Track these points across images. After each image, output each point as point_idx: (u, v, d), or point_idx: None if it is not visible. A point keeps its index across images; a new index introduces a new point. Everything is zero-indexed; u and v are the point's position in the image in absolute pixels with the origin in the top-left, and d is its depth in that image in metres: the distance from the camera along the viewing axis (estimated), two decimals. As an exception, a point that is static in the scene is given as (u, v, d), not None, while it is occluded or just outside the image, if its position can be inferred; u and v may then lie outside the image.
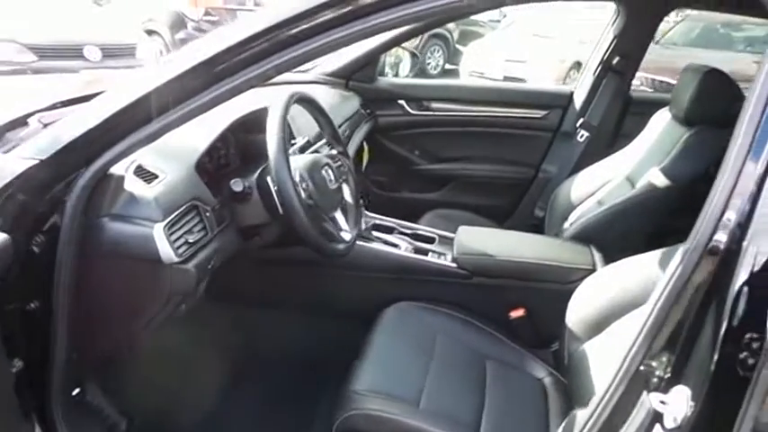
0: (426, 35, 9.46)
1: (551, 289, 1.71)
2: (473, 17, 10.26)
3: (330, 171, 1.48)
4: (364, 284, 1.85)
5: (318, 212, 1.41)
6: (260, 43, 0.98)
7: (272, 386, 1.82)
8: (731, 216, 0.87)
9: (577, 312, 1.40)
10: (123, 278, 1.16)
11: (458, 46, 9.75)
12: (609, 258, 1.70)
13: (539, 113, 2.56)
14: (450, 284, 1.80)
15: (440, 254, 1.87)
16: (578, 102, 2.50)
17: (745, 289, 0.86)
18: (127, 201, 1.12)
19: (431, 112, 2.63)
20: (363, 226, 1.86)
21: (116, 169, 1.17)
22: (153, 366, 1.69)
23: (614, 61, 2.36)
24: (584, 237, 1.89)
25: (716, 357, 0.88)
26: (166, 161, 1.25)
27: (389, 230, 1.99)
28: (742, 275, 0.86)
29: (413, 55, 2.87)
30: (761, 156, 0.84)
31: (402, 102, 2.62)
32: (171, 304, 1.22)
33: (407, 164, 2.71)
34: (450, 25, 9.86)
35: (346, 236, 1.50)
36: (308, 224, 1.32)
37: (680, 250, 0.94)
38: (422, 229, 2.01)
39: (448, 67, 9.84)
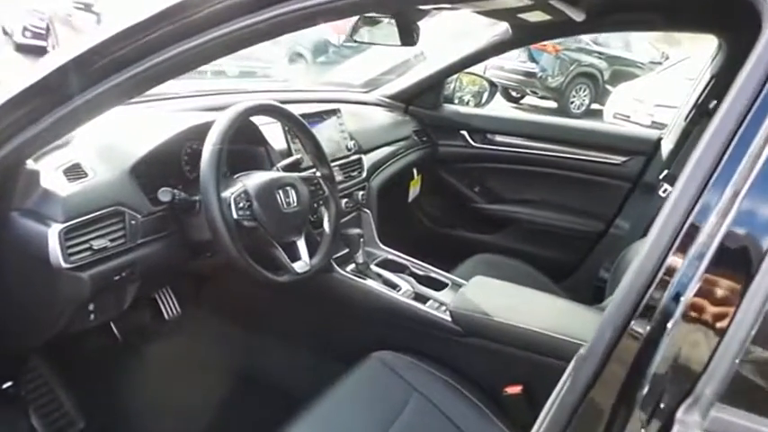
0: (573, 73, 9.01)
1: (557, 367, 1.39)
2: (630, 57, 9.60)
3: (293, 193, 1.34)
4: (351, 323, 1.69)
5: (263, 236, 1.27)
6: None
7: (238, 411, 1.70)
8: (651, 307, 0.61)
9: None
10: (25, 277, 1.12)
11: (608, 86, 9.13)
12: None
13: (617, 159, 2.18)
14: (443, 340, 1.56)
15: (441, 304, 1.63)
16: (665, 150, 2.09)
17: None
18: (39, 197, 1.09)
19: (495, 147, 2.37)
20: (361, 260, 1.69)
21: (42, 164, 1.15)
22: (125, 372, 1.66)
23: (711, 105, 1.94)
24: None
25: None
26: (103, 162, 1.21)
27: (400, 268, 1.80)
28: (648, 400, 0.59)
29: (491, 84, 2.63)
30: (708, 218, 0.58)
31: (464, 132, 2.40)
32: (67, 313, 1.15)
33: (464, 200, 2.47)
34: (603, 64, 9.32)
35: (301, 267, 1.34)
36: (232, 246, 1.19)
37: (577, 355, 0.69)
38: (435, 272, 1.79)
39: (594, 107, 9.25)
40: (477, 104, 2.71)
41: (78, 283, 1.09)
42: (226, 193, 1.23)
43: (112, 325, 1.68)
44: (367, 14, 1.47)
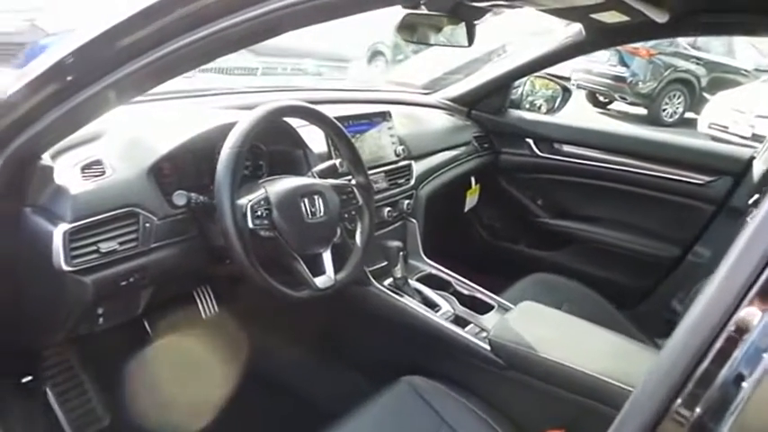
0: (667, 79, 8.44)
1: (605, 413, 1.23)
2: (733, 63, 8.88)
3: (319, 202, 1.24)
4: (383, 340, 1.59)
5: (283, 248, 1.19)
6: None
7: (264, 418, 1.63)
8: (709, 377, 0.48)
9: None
10: (33, 276, 1.09)
11: (705, 94, 8.47)
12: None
13: (701, 179, 1.94)
14: (480, 370, 1.43)
15: (483, 329, 1.50)
16: (757, 171, 1.83)
17: None
18: (52, 194, 1.05)
19: (562, 157, 2.18)
20: (399, 274, 1.58)
21: (63, 159, 1.12)
22: (154, 369, 1.64)
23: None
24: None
25: None
26: (124, 159, 1.17)
27: (443, 285, 1.68)
28: None
29: (564, 89, 2.43)
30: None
31: (529, 140, 2.23)
32: (73, 316, 1.11)
33: (525, 213, 2.30)
34: (700, 71, 8.67)
35: (324, 282, 1.25)
36: (245, 257, 1.11)
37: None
38: (481, 291, 1.65)
39: (689, 115, 8.61)
40: (550, 110, 2.52)
41: (81, 287, 1.04)
42: (243, 200, 1.15)
43: (145, 321, 1.66)
44: (418, 11, 1.36)
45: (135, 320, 1.62)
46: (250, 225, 1.13)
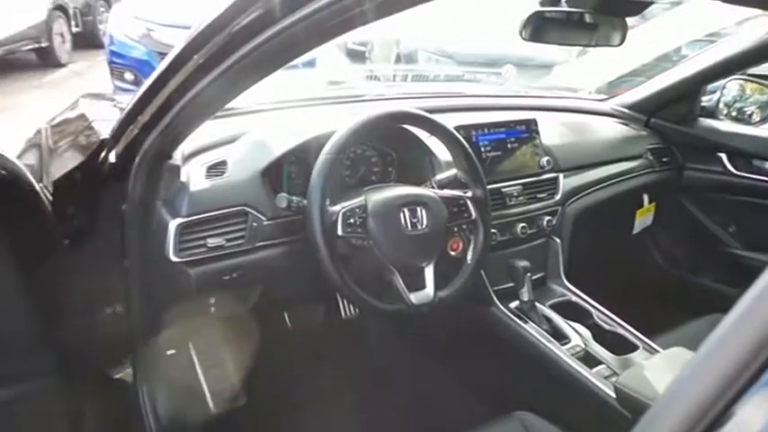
0: None
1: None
2: None
3: (423, 213, 1.18)
4: (501, 367, 1.48)
5: (378, 259, 1.16)
6: None
7: (376, 423, 1.61)
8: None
9: None
10: (157, 260, 1.19)
11: None
12: None
13: None
14: (604, 419, 1.24)
15: (615, 372, 1.29)
16: None
17: None
18: (176, 189, 1.16)
19: (764, 177, 1.79)
20: (526, 297, 1.44)
21: (197, 159, 1.23)
22: (290, 360, 1.73)
23: None
24: None
25: None
26: (244, 161, 1.24)
27: (582, 316, 1.49)
28: None
29: (776, 93, 1.99)
30: None
31: (722, 155, 1.87)
32: (181, 304, 1.20)
33: (713, 240, 1.93)
34: None
35: (420, 298, 1.18)
36: (329, 263, 1.10)
37: None
38: (625, 327, 1.43)
39: None
40: (763, 120, 2.10)
41: (186, 278, 1.13)
42: (337, 206, 1.15)
43: (285, 314, 1.76)
44: (552, 7, 1.21)
45: (277, 311, 1.73)
46: (339, 232, 1.13)
